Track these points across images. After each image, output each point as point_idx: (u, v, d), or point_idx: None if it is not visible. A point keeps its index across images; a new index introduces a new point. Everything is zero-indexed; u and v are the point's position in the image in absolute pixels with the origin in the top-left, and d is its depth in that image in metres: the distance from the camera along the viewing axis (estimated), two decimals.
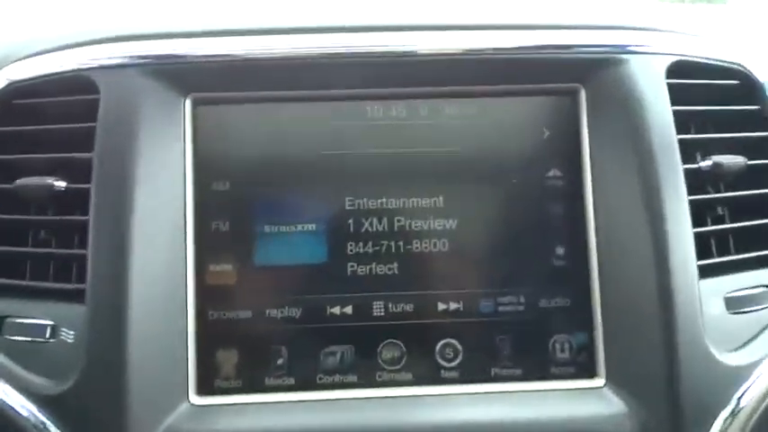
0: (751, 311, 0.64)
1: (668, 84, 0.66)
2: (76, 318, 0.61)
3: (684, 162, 0.64)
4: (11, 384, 0.60)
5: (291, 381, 0.64)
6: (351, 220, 0.66)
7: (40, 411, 0.59)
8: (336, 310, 0.65)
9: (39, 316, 0.62)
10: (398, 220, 0.66)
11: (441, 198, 0.66)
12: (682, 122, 0.66)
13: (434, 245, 0.65)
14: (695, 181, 0.66)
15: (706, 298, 0.62)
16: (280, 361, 0.64)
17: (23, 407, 0.60)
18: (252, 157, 0.66)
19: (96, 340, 0.59)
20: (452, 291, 0.65)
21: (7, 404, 0.60)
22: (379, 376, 0.64)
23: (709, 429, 0.60)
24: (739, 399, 0.60)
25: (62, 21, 0.75)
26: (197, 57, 0.66)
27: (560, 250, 0.65)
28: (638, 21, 0.69)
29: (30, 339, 0.62)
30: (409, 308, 0.65)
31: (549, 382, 0.64)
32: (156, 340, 0.61)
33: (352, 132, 0.67)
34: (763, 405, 0.61)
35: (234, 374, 0.64)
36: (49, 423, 0.59)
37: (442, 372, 0.64)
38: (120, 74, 0.65)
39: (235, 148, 0.66)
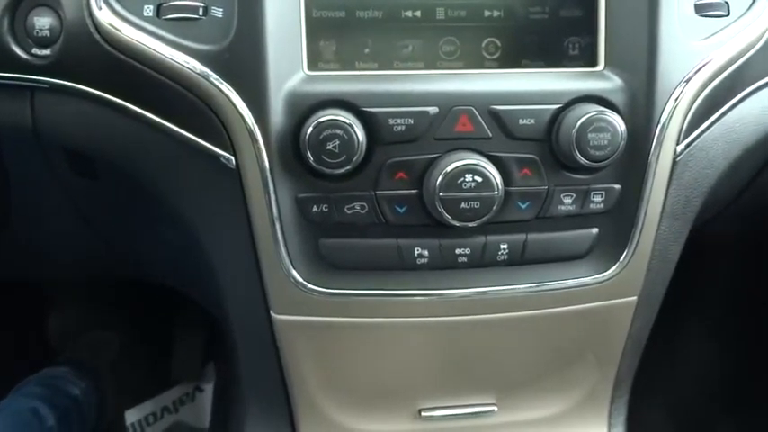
0: (714, 16, 0.88)
1: None
2: None
3: None
4: (175, 48, 0.80)
5: (375, 65, 0.86)
6: None
7: (202, 65, 0.80)
8: (409, 13, 0.86)
9: None
10: None
11: None
12: None
13: None
14: None
15: (680, 3, 0.86)
16: (366, 50, 0.86)
17: (188, 62, 0.80)
18: None
19: (243, 14, 0.79)
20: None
21: (175, 60, 0.80)
22: (440, 64, 0.87)
23: (674, 90, 0.85)
24: (698, 71, 0.86)
25: None
26: None
27: None
28: None
29: (186, 16, 0.81)
30: (463, 13, 0.87)
31: (563, 69, 0.88)
32: (281, 24, 0.81)
33: None
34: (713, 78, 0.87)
35: (333, 58, 0.85)
36: (209, 72, 0.80)
37: (486, 62, 0.88)
38: None
39: None
